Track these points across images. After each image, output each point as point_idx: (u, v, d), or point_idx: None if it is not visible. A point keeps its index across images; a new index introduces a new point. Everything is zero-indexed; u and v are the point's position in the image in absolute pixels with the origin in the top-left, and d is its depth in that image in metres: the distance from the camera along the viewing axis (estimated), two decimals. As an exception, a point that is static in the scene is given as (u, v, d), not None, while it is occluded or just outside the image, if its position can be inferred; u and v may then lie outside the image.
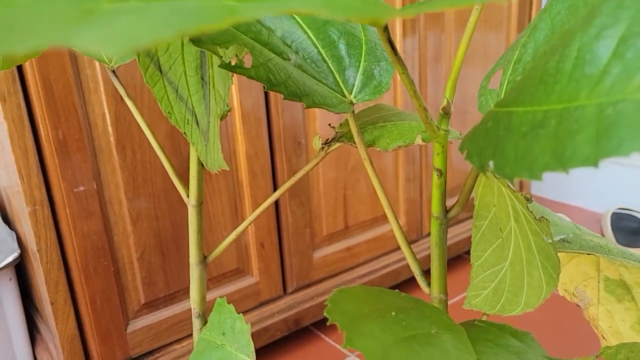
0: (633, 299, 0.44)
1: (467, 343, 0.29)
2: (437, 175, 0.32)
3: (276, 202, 1.05)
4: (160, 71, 0.36)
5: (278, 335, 1.08)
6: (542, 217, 0.31)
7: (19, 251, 0.91)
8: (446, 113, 0.33)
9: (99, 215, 0.85)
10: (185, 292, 0.97)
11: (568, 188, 1.79)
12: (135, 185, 0.88)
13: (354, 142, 0.39)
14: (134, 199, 0.88)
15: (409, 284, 1.35)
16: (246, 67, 0.32)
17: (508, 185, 0.32)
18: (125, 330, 0.91)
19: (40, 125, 0.78)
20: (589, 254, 0.44)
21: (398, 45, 1.14)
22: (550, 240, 0.31)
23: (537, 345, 0.32)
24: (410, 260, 0.35)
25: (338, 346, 1.14)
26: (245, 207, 1.00)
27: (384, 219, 1.22)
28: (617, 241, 1.44)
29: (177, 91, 0.36)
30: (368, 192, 1.17)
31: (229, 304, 0.38)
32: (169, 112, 0.36)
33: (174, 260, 0.94)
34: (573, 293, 0.49)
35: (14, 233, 0.96)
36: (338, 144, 0.40)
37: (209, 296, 0.99)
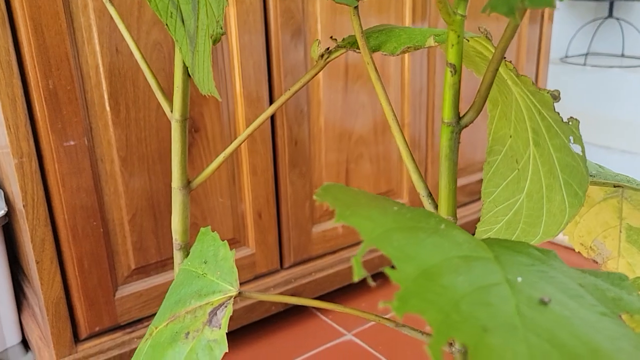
0: None
1: (481, 243, 0.25)
2: (451, 71, 0.28)
3: (275, 172, 1.01)
4: None
5: (273, 310, 1.05)
6: (570, 117, 0.27)
7: (5, 209, 0.88)
8: None
9: (89, 173, 0.81)
10: (177, 260, 0.93)
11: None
12: (129, 144, 0.84)
13: (357, 48, 0.35)
14: (126, 159, 0.84)
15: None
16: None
17: (532, 83, 0.28)
18: (114, 295, 0.88)
19: (30, 73, 0.74)
20: (609, 195, 0.40)
21: None
22: (580, 151, 0.27)
23: (560, 260, 0.28)
24: (415, 178, 0.31)
25: (335, 325, 1.10)
26: (243, 174, 0.96)
27: (387, 194, 1.18)
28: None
29: None
30: (371, 168, 1.14)
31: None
32: None
33: (167, 226, 0.90)
34: (590, 247, 0.45)
35: (1, 192, 0.92)
36: (340, 51, 0.36)
37: (203, 266, 0.95)
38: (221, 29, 0.37)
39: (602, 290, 0.20)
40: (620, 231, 0.42)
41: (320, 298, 1.18)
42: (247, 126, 0.94)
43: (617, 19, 1.79)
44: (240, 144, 0.37)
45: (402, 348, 1.02)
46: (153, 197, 0.88)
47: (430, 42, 0.33)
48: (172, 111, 0.34)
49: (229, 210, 0.97)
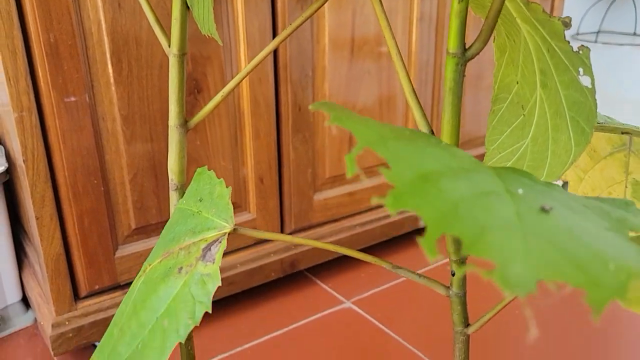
0: None
1: (485, 166, 0.24)
2: None
3: (278, 137, 1.00)
4: None
5: (273, 276, 1.05)
6: (581, 45, 0.26)
7: (6, 165, 0.87)
8: None
9: (90, 131, 0.80)
10: (178, 222, 0.93)
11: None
12: (131, 103, 0.83)
13: None
14: (128, 117, 0.84)
15: (411, 237, 1.31)
16: None
17: (543, 11, 0.27)
18: (114, 254, 0.88)
19: (31, 26, 0.73)
20: (611, 154, 0.39)
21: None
22: (589, 83, 0.26)
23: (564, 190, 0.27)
24: (417, 115, 0.31)
25: (334, 293, 1.10)
26: (245, 137, 0.96)
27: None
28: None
29: None
30: (375, 137, 1.12)
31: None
32: None
33: (168, 187, 0.90)
34: None
35: (2, 148, 0.92)
36: None
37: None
38: None
39: (607, 212, 0.20)
40: (626, 186, 0.41)
41: (320, 266, 1.18)
42: (251, 90, 0.93)
43: (631, -5, 1.76)
44: (240, 82, 0.36)
45: (400, 316, 1.02)
46: (155, 157, 0.87)
47: None
48: (169, 46, 0.33)
49: (230, 174, 0.96)
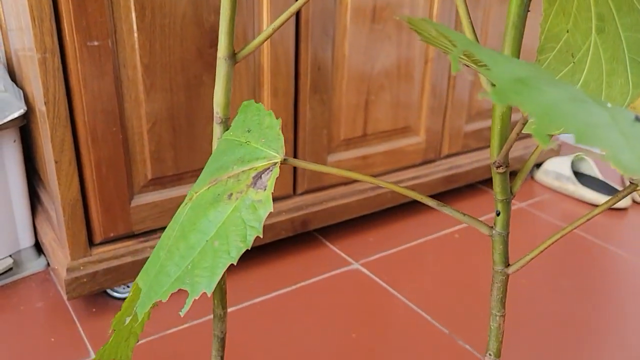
0: None
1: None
2: None
3: (296, 96, 1.00)
4: None
5: (283, 234, 1.06)
6: None
7: (25, 108, 0.87)
8: None
9: (112, 77, 0.80)
10: (194, 175, 0.94)
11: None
12: (152, 51, 0.83)
13: None
14: (149, 66, 0.83)
15: (420, 204, 1.32)
16: None
17: None
18: (130, 203, 0.88)
19: (57, -34, 0.72)
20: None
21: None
22: None
23: None
24: (465, 24, 0.30)
25: (343, 254, 1.11)
26: (264, 94, 0.95)
27: (403, 132, 1.18)
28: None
29: None
30: (391, 102, 1.12)
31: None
32: None
33: (185, 140, 0.90)
34: None
35: (21, 92, 0.91)
36: None
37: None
38: None
39: None
40: None
41: (329, 228, 1.19)
42: (272, 47, 0.93)
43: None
44: (289, 18, 0.36)
45: (406, 279, 1.03)
46: (174, 108, 0.87)
47: None
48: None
49: (247, 130, 0.96)
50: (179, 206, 0.92)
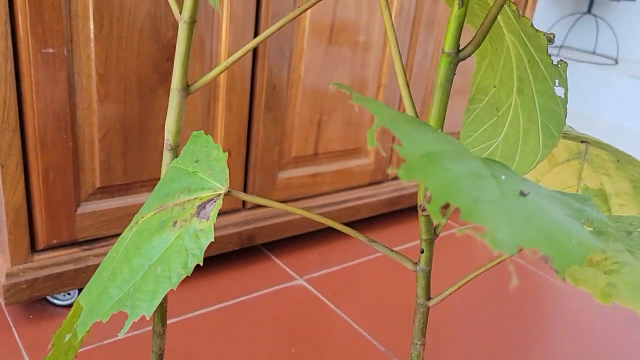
0: (609, 209, 0.44)
1: (473, 154, 0.28)
2: (459, 3, 0.30)
3: (250, 113, 1.02)
4: None
5: (229, 248, 1.07)
6: (560, 60, 0.30)
7: (-28, 109, 0.86)
8: None
9: (65, 84, 0.80)
10: (142, 185, 0.94)
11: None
12: (108, 62, 0.83)
13: None
14: (104, 76, 0.84)
15: (367, 222, 1.36)
16: None
17: (531, 25, 0.30)
18: (76, 211, 0.88)
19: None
20: (567, 160, 0.44)
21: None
22: (562, 93, 0.30)
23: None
24: (407, 103, 0.34)
25: (288, 269, 1.13)
26: (218, 109, 0.97)
27: (353, 152, 1.21)
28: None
29: None
30: (343, 124, 1.16)
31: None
32: None
33: (136, 150, 0.90)
34: None
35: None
36: None
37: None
38: None
39: (569, 203, 0.23)
40: (577, 191, 0.45)
41: (275, 243, 1.21)
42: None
43: (595, 15, 1.85)
44: (244, 55, 0.38)
45: (348, 296, 1.06)
46: (127, 119, 0.88)
47: None
48: (180, 13, 0.35)
49: (199, 144, 0.97)
50: (126, 216, 0.93)
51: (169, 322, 0.94)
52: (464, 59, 0.31)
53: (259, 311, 0.99)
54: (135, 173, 0.92)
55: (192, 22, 0.36)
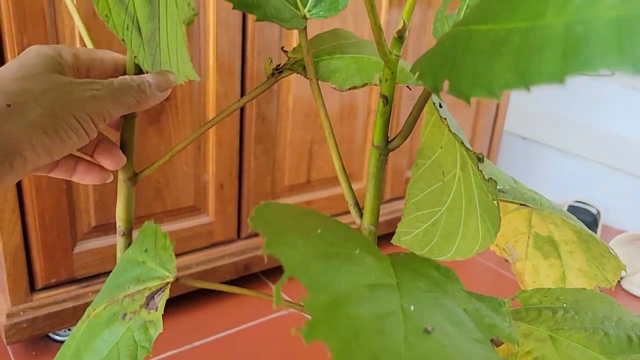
0: (559, 256, 0.45)
1: (389, 267, 0.29)
2: (383, 102, 0.32)
3: (241, 146, 1.04)
4: None
5: (226, 278, 1.09)
6: (490, 178, 0.31)
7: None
8: (400, 37, 0.32)
9: (57, 130, 0.83)
10: (138, 221, 0.96)
11: (532, 176, 1.82)
12: (99, 106, 0.86)
13: (306, 74, 0.38)
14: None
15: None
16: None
17: (462, 143, 0.32)
18: (72, 250, 0.91)
19: (5, 27, 0.75)
20: (521, 205, 0.45)
21: None
22: (493, 200, 0.32)
23: (458, 280, 0.32)
24: (345, 188, 0.36)
25: (285, 296, 1.15)
26: (209, 145, 0.99)
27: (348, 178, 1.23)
28: (570, 232, 1.48)
29: None
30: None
31: (155, 223, 0.38)
32: (106, 16, 0.35)
33: (130, 188, 0.93)
34: (503, 248, 0.50)
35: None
36: (289, 72, 0.39)
37: (164, 229, 0.98)
38: (193, 10, 0.40)
39: (482, 317, 0.25)
40: (529, 237, 0.47)
41: (272, 271, 1.23)
42: (217, 99, 0.97)
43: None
44: (189, 142, 0.41)
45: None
46: (118, 159, 0.90)
47: (376, 80, 0.37)
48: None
49: (192, 179, 1.00)
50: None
51: (169, 353, 0.96)
52: (393, 149, 0.34)
53: (260, 340, 1.01)
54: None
55: (134, 117, 0.38)
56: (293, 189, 1.15)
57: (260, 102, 1.02)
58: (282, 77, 0.39)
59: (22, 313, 0.87)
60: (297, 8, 0.38)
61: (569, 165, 1.73)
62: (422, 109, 0.33)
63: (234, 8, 0.32)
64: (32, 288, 0.89)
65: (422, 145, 0.40)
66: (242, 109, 1.02)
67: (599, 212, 1.56)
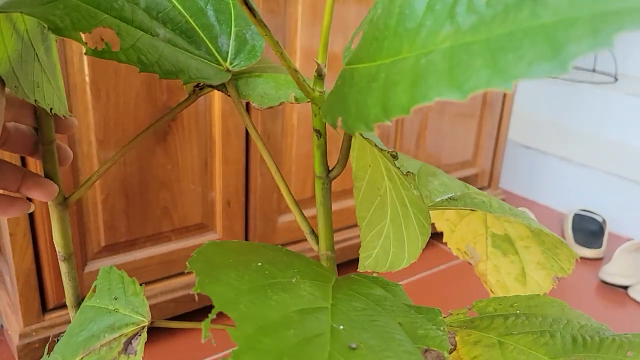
0: (517, 252, 0.47)
1: (328, 291, 0.30)
2: (317, 136, 0.33)
3: (247, 164, 1.06)
4: None
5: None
6: (408, 172, 0.33)
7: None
8: (320, 75, 0.33)
9: (67, 153, 0.85)
10: (146, 240, 0.98)
11: (537, 185, 1.83)
12: (107, 129, 0.88)
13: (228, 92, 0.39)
14: (103, 142, 0.88)
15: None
16: (114, 51, 0.32)
17: (375, 145, 0.33)
18: (83, 270, 0.92)
19: None
20: (473, 210, 0.46)
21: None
22: (417, 193, 0.33)
23: (404, 295, 0.33)
24: (299, 220, 0.37)
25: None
26: (215, 163, 1.01)
27: (351, 192, 1.24)
28: (576, 241, 1.48)
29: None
30: (339, 165, 1.19)
31: (119, 270, 0.39)
32: (15, 87, 0.32)
33: (138, 207, 0.95)
34: (465, 251, 0.51)
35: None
36: (209, 89, 0.39)
37: (173, 247, 1.00)
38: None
39: (415, 328, 0.26)
40: (487, 237, 0.48)
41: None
42: (223, 118, 0.99)
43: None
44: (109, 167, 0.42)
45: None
46: (126, 179, 0.92)
47: (291, 98, 0.38)
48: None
49: (199, 197, 1.01)
50: (131, 271, 0.97)
51: (177, 371, 0.97)
52: (335, 178, 0.35)
53: None
54: (138, 229, 0.96)
55: (52, 143, 0.39)
56: (300, 204, 1.16)
57: (266, 120, 1.04)
58: (204, 94, 0.39)
59: (34, 333, 0.89)
60: (219, 64, 0.38)
61: (574, 174, 1.73)
62: (350, 138, 0.34)
63: (160, 77, 0.33)
64: (44, 308, 0.91)
65: (355, 169, 0.40)
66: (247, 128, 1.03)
67: (604, 221, 1.56)
